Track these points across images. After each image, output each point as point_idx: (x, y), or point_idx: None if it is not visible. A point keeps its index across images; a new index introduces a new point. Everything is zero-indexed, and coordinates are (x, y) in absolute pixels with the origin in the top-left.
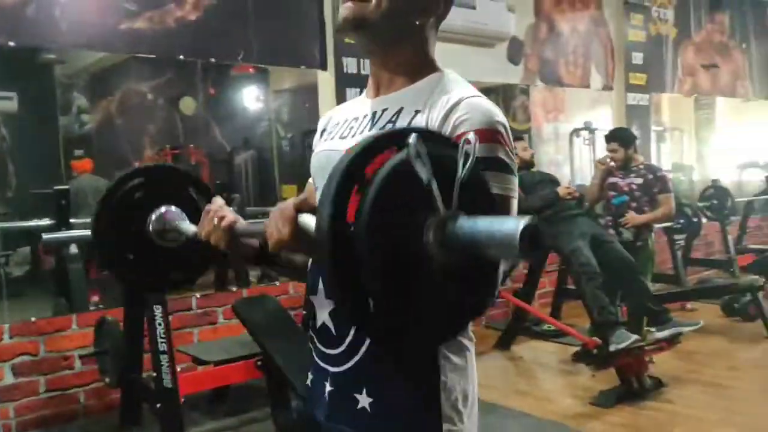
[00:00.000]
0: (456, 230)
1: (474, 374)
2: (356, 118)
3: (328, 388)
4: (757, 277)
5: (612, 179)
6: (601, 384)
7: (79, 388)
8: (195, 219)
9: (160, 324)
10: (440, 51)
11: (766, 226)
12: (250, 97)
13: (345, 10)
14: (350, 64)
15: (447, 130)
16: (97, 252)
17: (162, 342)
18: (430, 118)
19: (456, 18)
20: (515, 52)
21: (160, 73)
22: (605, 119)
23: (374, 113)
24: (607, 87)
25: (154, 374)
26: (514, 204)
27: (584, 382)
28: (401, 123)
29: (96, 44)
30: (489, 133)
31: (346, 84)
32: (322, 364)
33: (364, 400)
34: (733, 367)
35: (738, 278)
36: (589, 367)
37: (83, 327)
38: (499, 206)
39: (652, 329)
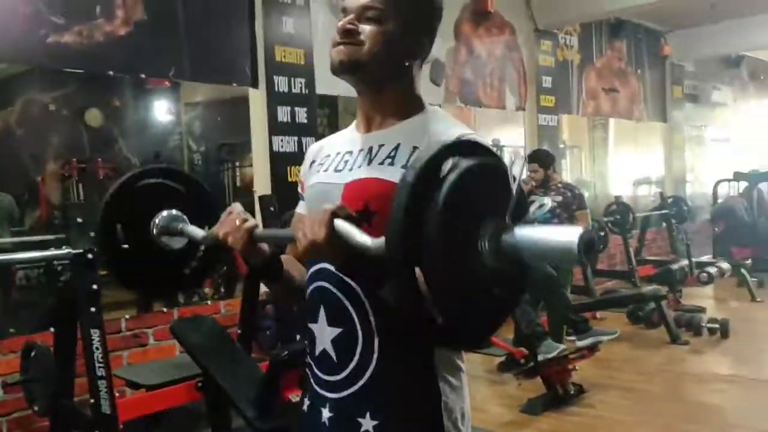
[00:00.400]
0: (511, 241)
1: (467, 394)
2: (350, 152)
3: (326, 414)
4: (660, 287)
5: (533, 197)
6: (528, 392)
7: (2, 417)
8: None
9: (98, 348)
10: None
11: (659, 239)
12: (161, 110)
13: (339, 53)
14: (281, 83)
15: (447, 166)
16: (99, 236)
17: (100, 367)
18: None
19: None
20: (437, 73)
21: (65, 84)
22: (519, 138)
23: (370, 148)
24: (520, 108)
25: (91, 400)
26: None
27: (511, 391)
28: (400, 158)
29: (21, 57)
30: None
31: (277, 102)
32: (320, 391)
33: (367, 423)
34: (644, 372)
35: (640, 288)
36: (517, 377)
37: (6, 353)
38: None
39: (572, 338)
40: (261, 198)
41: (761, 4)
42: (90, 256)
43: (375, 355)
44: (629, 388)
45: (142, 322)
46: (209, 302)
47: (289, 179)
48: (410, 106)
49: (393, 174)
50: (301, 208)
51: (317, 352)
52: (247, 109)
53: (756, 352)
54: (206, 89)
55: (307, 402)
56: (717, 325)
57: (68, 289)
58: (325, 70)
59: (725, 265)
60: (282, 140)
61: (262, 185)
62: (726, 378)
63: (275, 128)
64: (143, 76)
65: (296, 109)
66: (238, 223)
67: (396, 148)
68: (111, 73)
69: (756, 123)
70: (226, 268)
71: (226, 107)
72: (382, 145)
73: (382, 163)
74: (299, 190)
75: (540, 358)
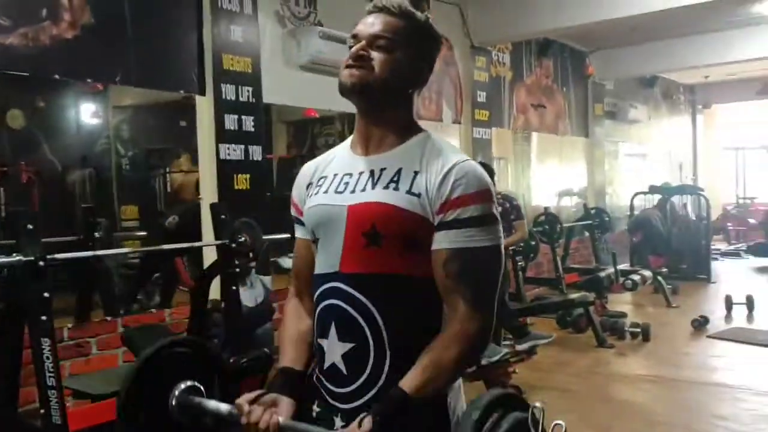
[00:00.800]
0: None
1: (463, 393)
2: (349, 174)
3: (339, 422)
4: (588, 293)
5: None
6: (471, 395)
7: None
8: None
9: (48, 357)
10: (317, 82)
11: (582, 248)
12: (88, 112)
13: (350, 76)
14: (229, 91)
15: (446, 190)
16: (122, 410)
17: (51, 376)
18: (428, 180)
19: (330, 52)
20: None
21: None
22: None
23: (372, 171)
24: (456, 121)
25: (41, 411)
26: (502, 248)
27: None
28: (403, 183)
29: None
30: (483, 194)
31: (225, 110)
32: (332, 402)
33: None
34: (575, 374)
35: (567, 294)
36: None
37: None
38: (493, 253)
39: (509, 342)
40: (212, 206)
41: (675, 30)
42: (42, 263)
43: (386, 368)
44: (563, 389)
45: (85, 331)
46: (154, 311)
47: (236, 187)
48: (408, 129)
49: (397, 198)
50: (300, 233)
51: (326, 366)
52: (178, 113)
53: (674, 354)
54: (136, 92)
55: (317, 409)
56: (638, 330)
57: (14, 297)
58: (272, 79)
59: (647, 273)
60: (229, 148)
61: (209, 193)
62: (649, 378)
63: (222, 136)
64: (90, 80)
65: (243, 117)
66: (263, 430)
67: (398, 172)
68: (57, 76)
69: (668, 140)
70: (162, 278)
71: (156, 111)
72: (384, 168)
73: (386, 188)
74: (293, 213)
75: (484, 361)
